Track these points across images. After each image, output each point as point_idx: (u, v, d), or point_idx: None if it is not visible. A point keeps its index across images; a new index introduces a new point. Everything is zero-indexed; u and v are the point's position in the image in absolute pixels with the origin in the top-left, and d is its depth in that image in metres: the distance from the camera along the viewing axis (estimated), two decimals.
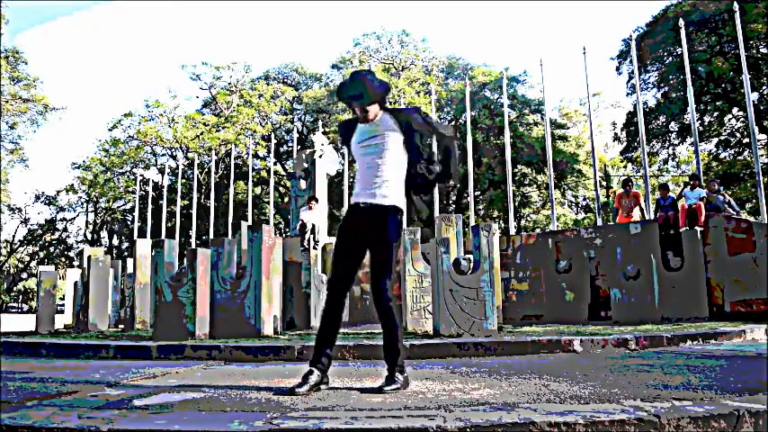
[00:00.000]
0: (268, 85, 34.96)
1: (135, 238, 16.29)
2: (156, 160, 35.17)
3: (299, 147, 16.46)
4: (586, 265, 10.01)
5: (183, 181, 27.65)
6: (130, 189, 34.16)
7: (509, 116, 18.17)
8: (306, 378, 2.99)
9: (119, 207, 38.94)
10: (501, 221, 28.45)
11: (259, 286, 7.22)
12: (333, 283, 3.22)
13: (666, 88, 24.28)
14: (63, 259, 42.00)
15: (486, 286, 6.34)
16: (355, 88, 3.13)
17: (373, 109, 3.18)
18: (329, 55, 67.24)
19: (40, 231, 41.48)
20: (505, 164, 12.54)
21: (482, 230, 6.52)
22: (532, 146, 26.25)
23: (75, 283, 11.40)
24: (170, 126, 32.89)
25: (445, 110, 31.02)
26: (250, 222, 13.16)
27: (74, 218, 42.17)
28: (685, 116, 23.40)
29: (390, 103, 29.50)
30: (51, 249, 42.83)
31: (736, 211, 9.59)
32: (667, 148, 27.62)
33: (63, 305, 15.61)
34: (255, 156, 31.77)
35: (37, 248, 43.89)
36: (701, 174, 10.19)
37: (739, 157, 24.84)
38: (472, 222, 12.47)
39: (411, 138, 3.20)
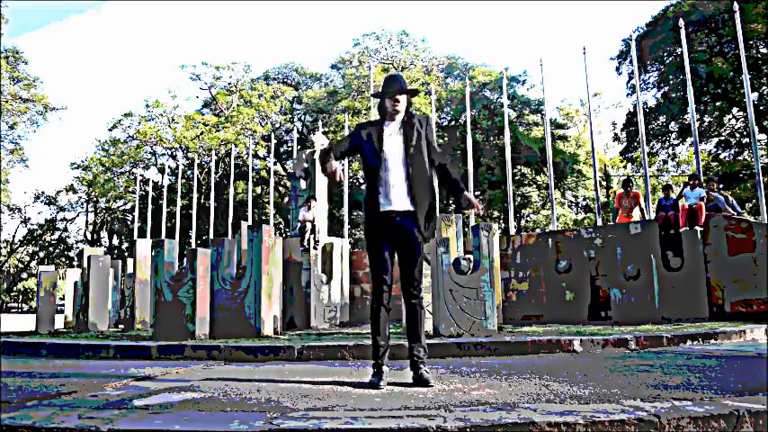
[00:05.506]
0: (268, 85, 34.95)
1: (135, 238, 16.28)
2: (156, 160, 35.18)
3: (299, 147, 16.46)
4: (586, 265, 10.01)
5: (183, 181, 27.66)
6: (130, 189, 34.16)
7: (509, 116, 18.16)
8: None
9: (119, 207, 38.93)
10: (501, 221, 28.44)
11: (259, 286, 7.21)
12: None
13: (666, 88, 24.27)
14: (63, 259, 41.98)
15: (486, 286, 6.34)
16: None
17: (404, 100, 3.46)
18: (329, 55, 67.21)
19: (39, 231, 41.48)
20: (505, 164, 12.54)
21: (482, 230, 6.53)
22: (531, 147, 26.26)
23: (75, 283, 11.40)
24: (170, 126, 32.88)
25: (445, 110, 31.02)
26: (250, 222, 13.17)
27: (74, 218, 42.23)
28: (685, 116, 23.38)
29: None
30: (51, 249, 42.82)
31: (738, 212, 9.57)
32: (667, 148, 27.59)
33: (63, 305, 15.62)
34: (255, 156, 31.78)
35: (37, 248, 43.88)
36: (701, 174, 10.18)
37: (739, 157, 24.82)
38: (472, 222, 12.47)
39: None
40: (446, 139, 28.18)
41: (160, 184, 30.76)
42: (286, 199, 29.80)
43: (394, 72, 4.10)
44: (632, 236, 9.21)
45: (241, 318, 7.23)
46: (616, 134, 28.80)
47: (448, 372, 3.86)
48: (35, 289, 12.48)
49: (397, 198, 3.28)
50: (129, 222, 36.96)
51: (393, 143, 3.35)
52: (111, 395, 3.02)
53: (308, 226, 11.16)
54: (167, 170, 33.45)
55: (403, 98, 3.41)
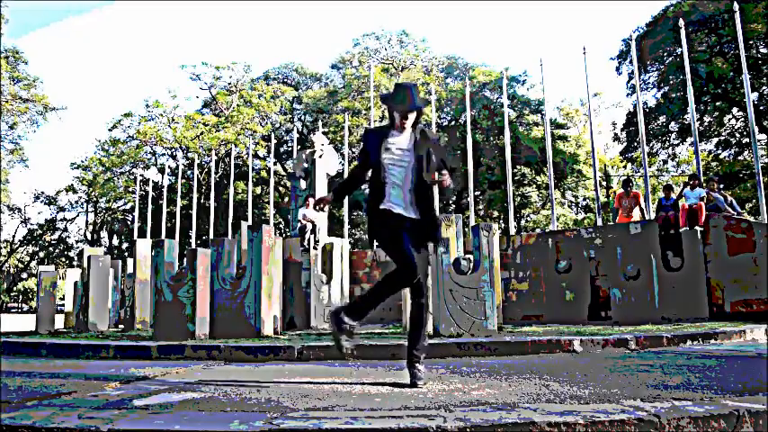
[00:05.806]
0: (268, 85, 34.94)
1: (135, 238, 16.28)
2: (156, 160, 35.18)
3: (299, 147, 16.45)
4: (586, 265, 10.01)
5: (183, 181, 27.66)
6: (130, 189, 34.16)
7: (509, 116, 18.16)
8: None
9: (119, 207, 38.94)
10: (501, 221, 28.43)
11: (259, 286, 7.21)
12: None
13: (666, 88, 24.26)
14: (63, 259, 41.98)
15: (486, 286, 6.34)
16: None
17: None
18: (329, 55, 67.19)
19: (39, 231, 41.47)
20: (505, 164, 12.54)
21: (482, 230, 6.53)
22: (531, 147, 26.26)
23: (75, 283, 11.40)
24: (170, 126, 32.89)
25: (445, 110, 31.02)
26: (250, 222, 13.15)
27: (74, 218, 42.23)
28: (685, 116, 23.38)
29: None
30: (51, 249, 42.81)
31: (738, 212, 9.57)
32: (667, 148, 27.59)
33: (63, 305, 15.61)
34: (255, 156, 31.76)
35: (37, 248, 43.86)
36: (701, 174, 10.18)
37: (739, 157, 24.82)
38: (472, 222, 12.46)
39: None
40: (446, 139, 28.18)
41: (160, 184, 30.75)
42: (286, 199, 29.78)
43: (407, 81, 4.07)
44: (632, 236, 9.21)
45: (241, 318, 7.23)
46: (616, 134, 28.80)
47: (448, 372, 3.86)
48: (35, 289, 12.48)
49: (402, 206, 3.27)
50: (129, 222, 36.96)
51: (398, 151, 3.31)
52: (111, 395, 3.02)
53: (309, 226, 11.16)
54: (167, 170, 33.45)
55: (412, 114, 3.34)
